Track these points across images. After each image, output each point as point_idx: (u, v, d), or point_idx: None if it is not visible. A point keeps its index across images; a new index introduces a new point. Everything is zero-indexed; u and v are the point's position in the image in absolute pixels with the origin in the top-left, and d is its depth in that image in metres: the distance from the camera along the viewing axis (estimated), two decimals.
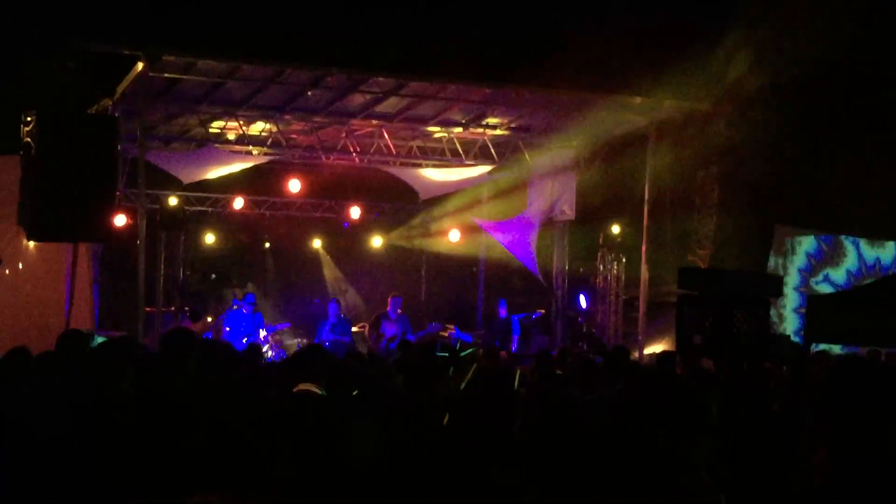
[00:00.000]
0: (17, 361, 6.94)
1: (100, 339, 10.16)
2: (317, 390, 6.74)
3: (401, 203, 20.95)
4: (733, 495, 4.68)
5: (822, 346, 13.53)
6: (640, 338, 16.45)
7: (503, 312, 17.94)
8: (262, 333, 16.24)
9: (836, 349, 16.62)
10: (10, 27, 16.40)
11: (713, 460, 4.24)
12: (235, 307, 16.71)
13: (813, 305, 12.10)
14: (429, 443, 4.43)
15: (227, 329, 16.05)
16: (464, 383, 4.01)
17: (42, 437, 5.12)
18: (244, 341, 14.86)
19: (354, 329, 17.27)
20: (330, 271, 22.21)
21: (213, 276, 21.68)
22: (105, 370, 5.89)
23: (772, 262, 18.58)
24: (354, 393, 6.04)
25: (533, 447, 3.96)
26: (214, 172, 17.53)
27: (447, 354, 10.91)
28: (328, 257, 22.24)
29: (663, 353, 12.49)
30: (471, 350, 9.71)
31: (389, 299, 16.69)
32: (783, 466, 5.60)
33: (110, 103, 15.18)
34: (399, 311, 16.41)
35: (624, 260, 19.08)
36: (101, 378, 5.82)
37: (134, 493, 4.79)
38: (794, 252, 18.79)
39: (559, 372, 9.13)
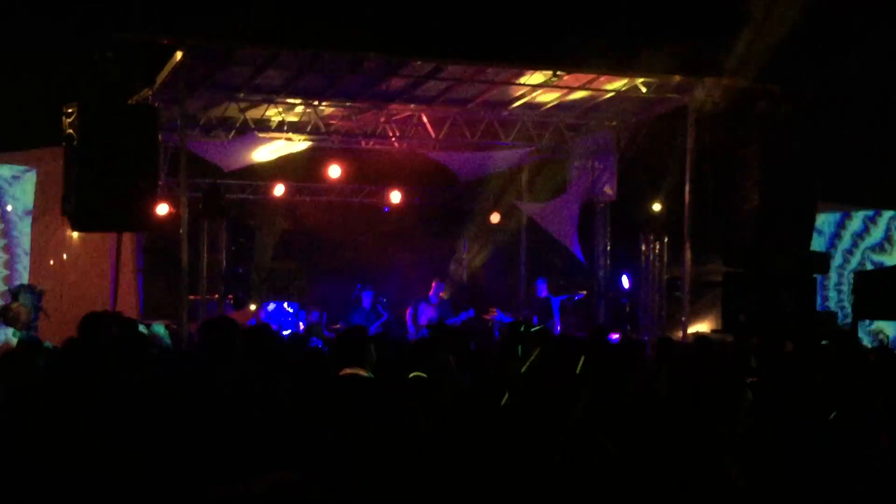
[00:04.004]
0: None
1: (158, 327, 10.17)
2: (363, 373, 6.77)
3: (441, 186, 20.88)
4: (768, 480, 4.63)
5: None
6: (684, 318, 16.33)
7: (542, 292, 17.84)
8: (301, 325, 16.16)
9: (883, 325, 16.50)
10: (50, 19, 16.50)
11: (744, 445, 4.19)
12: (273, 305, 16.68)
13: (860, 282, 11.99)
14: (483, 425, 4.40)
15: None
16: (525, 365, 3.95)
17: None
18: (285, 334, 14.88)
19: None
20: None
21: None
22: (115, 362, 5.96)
23: (815, 239, 18.36)
24: (411, 375, 6.06)
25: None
26: (255, 160, 17.58)
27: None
28: None
29: (699, 336, 12.38)
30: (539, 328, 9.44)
31: (433, 284, 16.68)
32: (826, 450, 5.50)
33: (150, 93, 15.25)
34: (441, 295, 16.39)
35: (666, 239, 18.90)
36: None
37: (188, 478, 4.81)
38: (839, 229, 18.55)
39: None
